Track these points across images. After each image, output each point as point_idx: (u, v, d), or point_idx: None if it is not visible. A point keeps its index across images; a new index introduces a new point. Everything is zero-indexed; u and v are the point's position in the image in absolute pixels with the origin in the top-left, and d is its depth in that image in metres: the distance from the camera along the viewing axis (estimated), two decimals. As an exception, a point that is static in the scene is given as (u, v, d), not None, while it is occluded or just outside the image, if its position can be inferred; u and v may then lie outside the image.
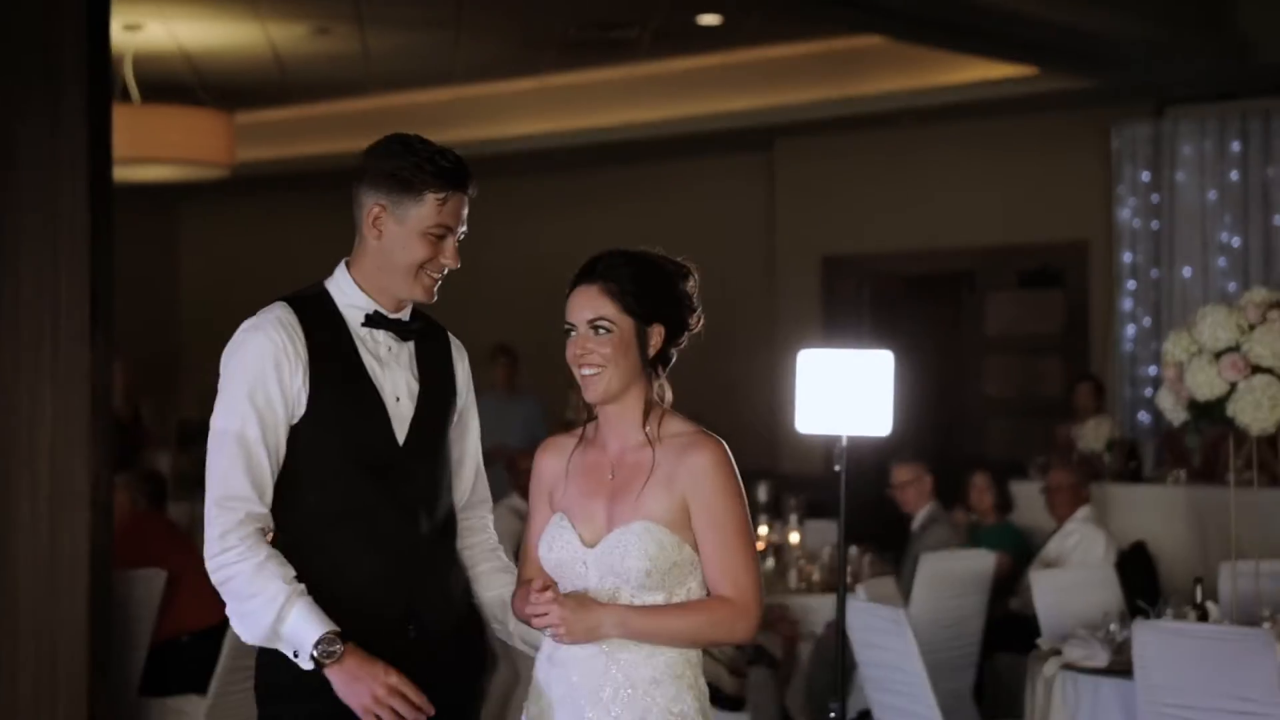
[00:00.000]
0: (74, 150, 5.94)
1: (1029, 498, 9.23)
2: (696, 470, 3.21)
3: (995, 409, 12.33)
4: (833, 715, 4.92)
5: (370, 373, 3.34)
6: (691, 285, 3.35)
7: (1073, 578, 6.93)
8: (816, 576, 7.86)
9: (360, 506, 3.30)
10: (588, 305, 3.27)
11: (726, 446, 3.26)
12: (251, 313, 3.37)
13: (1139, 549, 8.53)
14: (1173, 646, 5.11)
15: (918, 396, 12.70)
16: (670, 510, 3.22)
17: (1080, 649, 5.74)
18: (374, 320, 3.36)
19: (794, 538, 8.13)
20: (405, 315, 3.41)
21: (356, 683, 3.17)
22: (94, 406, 5.93)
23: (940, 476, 9.21)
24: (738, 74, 11.91)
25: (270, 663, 3.29)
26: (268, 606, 3.18)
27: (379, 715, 3.16)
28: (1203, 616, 5.83)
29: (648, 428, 3.28)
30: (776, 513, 8.67)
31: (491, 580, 3.53)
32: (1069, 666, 5.70)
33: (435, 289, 3.38)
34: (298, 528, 3.30)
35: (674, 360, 3.35)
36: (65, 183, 5.92)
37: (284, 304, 3.36)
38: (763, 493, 8.43)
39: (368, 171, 3.34)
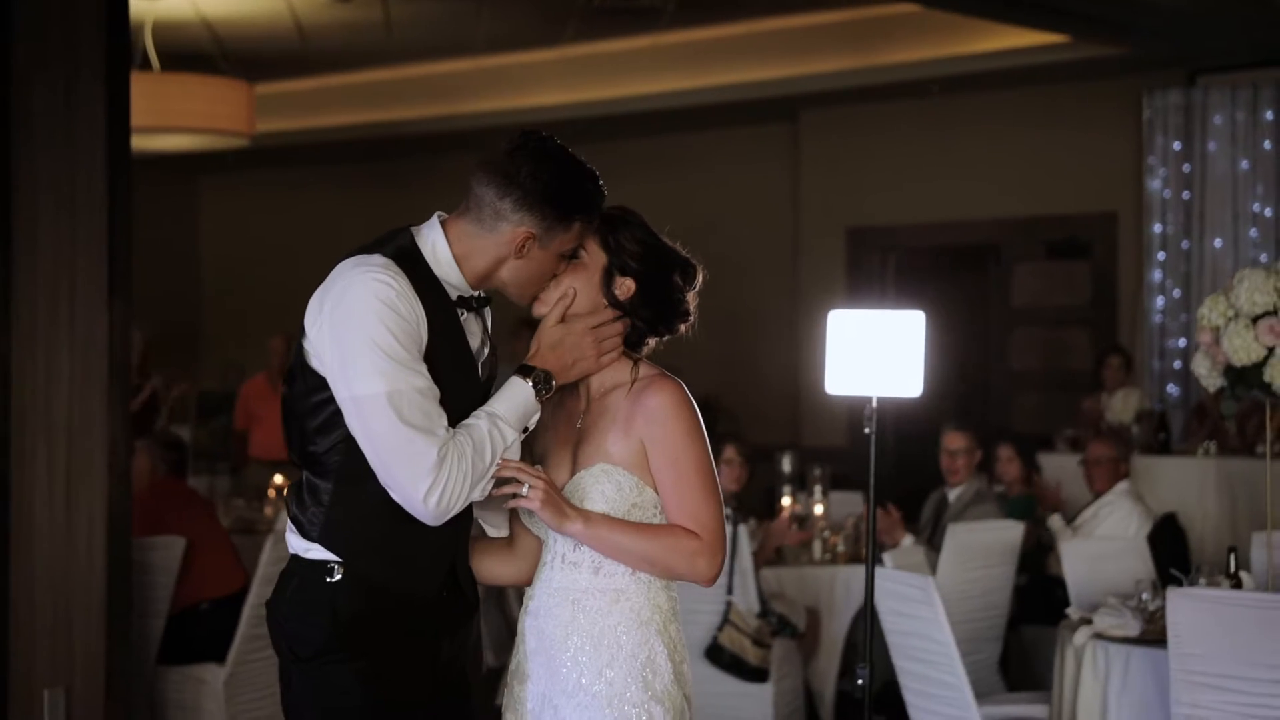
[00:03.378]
0: (92, 118, 5.86)
1: (1061, 470, 9.15)
2: (652, 410, 3.24)
3: (1022, 382, 12.22)
4: (860, 681, 4.84)
5: (471, 347, 3.29)
6: (689, 285, 3.38)
7: (1103, 548, 6.83)
8: (842, 548, 7.78)
9: None
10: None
11: (684, 387, 3.29)
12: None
13: (1169, 520, 8.40)
14: (1208, 614, 5.01)
15: (944, 369, 12.67)
16: (629, 453, 3.25)
17: (1111, 618, 5.65)
18: (462, 301, 3.28)
19: (818, 509, 8.03)
20: (479, 291, 3.35)
21: (571, 359, 3.25)
22: (111, 374, 5.86)
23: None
24: (762, 43, 11.79)
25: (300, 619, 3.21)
26: (502, 431, 3.15)
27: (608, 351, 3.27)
28: (1237, 585, 5.73)
29: (614, 371, 3.32)
30: (801, 484, 8.57)
31: None
32: (1100, 636, 5.61)
33: None
34: (365, 491, 3.16)
35: (648, 346, 3.38)
36: (83, 151, 5.84)
37: (385, 257, 3.17)
38: (787, 464, 8.32)
39: (520, 189, 3.18)
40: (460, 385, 3.22)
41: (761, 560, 7.56)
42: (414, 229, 3.29)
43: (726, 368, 12.23)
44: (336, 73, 12.82)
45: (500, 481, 3.20)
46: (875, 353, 4.63)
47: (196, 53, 11.29)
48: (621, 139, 13.40)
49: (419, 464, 3.06)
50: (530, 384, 3.22)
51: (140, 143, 10.91)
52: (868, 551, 4.83)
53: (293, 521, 3.25)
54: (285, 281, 8.76)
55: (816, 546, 7.82)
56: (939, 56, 11.37)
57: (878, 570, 5.56)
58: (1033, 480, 8.83)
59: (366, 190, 14.27)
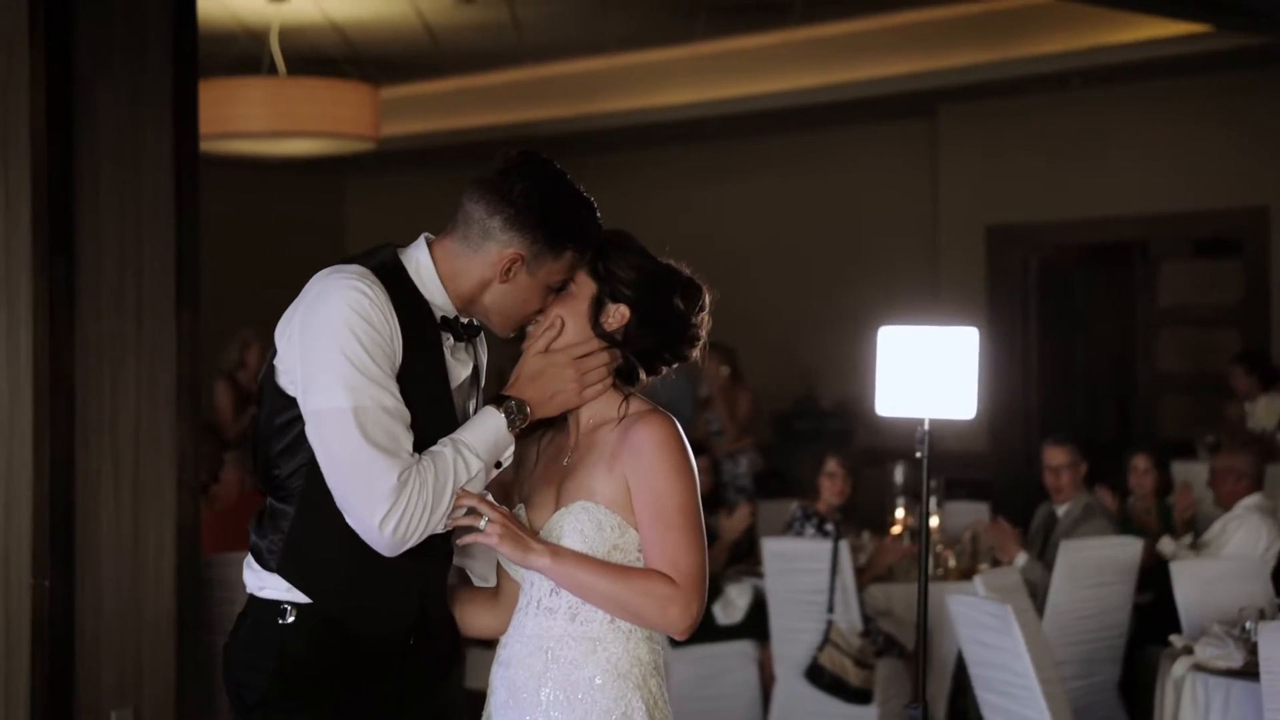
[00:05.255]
0: (158, 124, 5.78)
1: (1196, 478, 8.73)
2: (637, 446, 3.02)
3: (1168, 384, 11.75)
4: (913, 716, 4.57)
5: (449, 370, 3.09)
6: (693, 308, 3.15)
7: (1219, 568, 6.44)
8: (952, 563, 7.47)
9: None
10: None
11: (676, 424, 3.06)
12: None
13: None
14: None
15: (1086, 371, 12.28)
16: (613, 490, 3.03)
17: (1213, 648, 5.31)
18: (446, 324, 3.09)
19: (934, 521, 7.71)
20: (468, 319, 3.15)
21: (552, 391, 3.05)
22: (179, 385, 5.77)
23: (1106, 454, 8.77)
24: (897, 37, 11.48)
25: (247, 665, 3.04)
26: (467, 461, 2.95)
27: (593, 384, 3.07)
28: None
29: (603, 407, 3.11)
30: (916, 495, 8.27)
31: None
32: (1200, 667, 5.27)
33: None
34: (330, 517, 2.96)
35: (642, 379, 3.15)
36: (149, 158, 5.75)
37: (365, 269, 2.99)
38: (899, 474, 8.02)
39: (512, 206, 3.00)
40: (431, 413, 3.00)
41: (870, 576, 7.30)
42: (399, 247, 3.10)
43: (859, 371, 11.94)
44: (467, 74, 12.74)
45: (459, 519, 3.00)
46: (927, 372, 4.36)
47: (327, 57, 11.28)
48: (754, 137, 13.19)
49: (378, 487, 2.86)
50: (503, 414, 3.01)
51: (263, 147, 10.96)
52: (920, 577, 4.56)
53: (252, 551, 3.07)
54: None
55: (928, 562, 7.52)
56: (1080, 48, 10.98)
57: (955, 597, 5.30)
58: (1173, 491, 8.43)
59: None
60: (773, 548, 7.08)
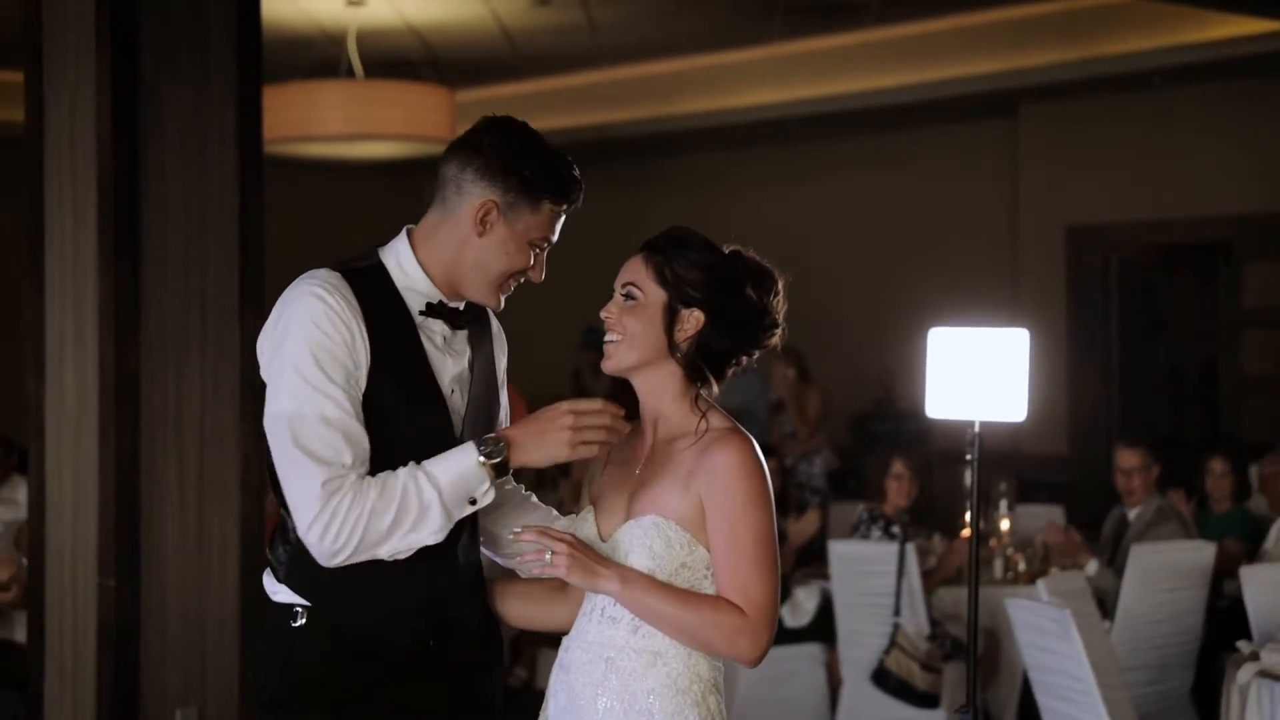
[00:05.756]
0: (223, 128, 5.83)
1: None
2: (716, 469, 2.94)
3: (1253, 387, 11.55)
4: (964, 722, 4.52)
5: (431, 362, 3.04)
6: (767, 296, 3.07)
7: (1288, 573, 6.34)
8: (1023, 566, 7.40)
9: None
10: (629, 270, 3.06)
11: (755, 446, 2.97)
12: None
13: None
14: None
15: (1168, 373, 12.11)
16: (686, 508, 2.96)
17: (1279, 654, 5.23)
18: (433, 309, 3.06)
19: (1004, 525, 7.64)
20: (461, 304, 3.12)
21: (542, 435, 2.93)
22: (243, 386, 5.81)
23: (1188, 458, 8.65)
24: (975, 36, 11.38)
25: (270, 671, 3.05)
26: (421, 492, 2.87)
27: (589, 443, 2.92)
28: None
29: (680, 419, 3.04)
30: (986, 498, 8.20)
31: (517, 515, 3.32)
32: (1265, 674, 5.19)
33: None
34: None
35: (728, 374, 3.08)
36: (213, 161, 5.80)
37: (338, 274, 2.98)
38: (968, 477, 7.91)
39: (483, 156, 2.99)
40: (416, 412, 2.99)
41: (939, 579, 7.24)
42: (382, 246, 3.11)
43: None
44: (543, 76, 12.77)
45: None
46: (978, 373, 4.31)
47: (403, 60, 11.34)
48: (831, 138, 13.13)
49: (305, 491, 2.85)
50: (476, 448, 2.93)
51: (340, 150, 11.04)
52: (970, 580, 4.51)
53: (269, 564, 3.09)
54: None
55: (997, 565, 7.46)
56: (1162, 46, 10.83)
57: (1014, 601, 5.24)
58: (1251, 495, 8.31)
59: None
60: (839, 550, 7.04)
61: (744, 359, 3.10)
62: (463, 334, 3.12)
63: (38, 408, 5.75)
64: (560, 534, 2.95)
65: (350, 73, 10.43)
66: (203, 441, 5.77)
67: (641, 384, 3.07)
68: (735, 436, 2.98)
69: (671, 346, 3.02)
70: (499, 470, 2.93)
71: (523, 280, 3.10)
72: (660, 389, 3.06)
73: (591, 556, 2.94)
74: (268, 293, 5.80)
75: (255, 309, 5.83)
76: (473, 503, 2.94)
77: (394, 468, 2.93)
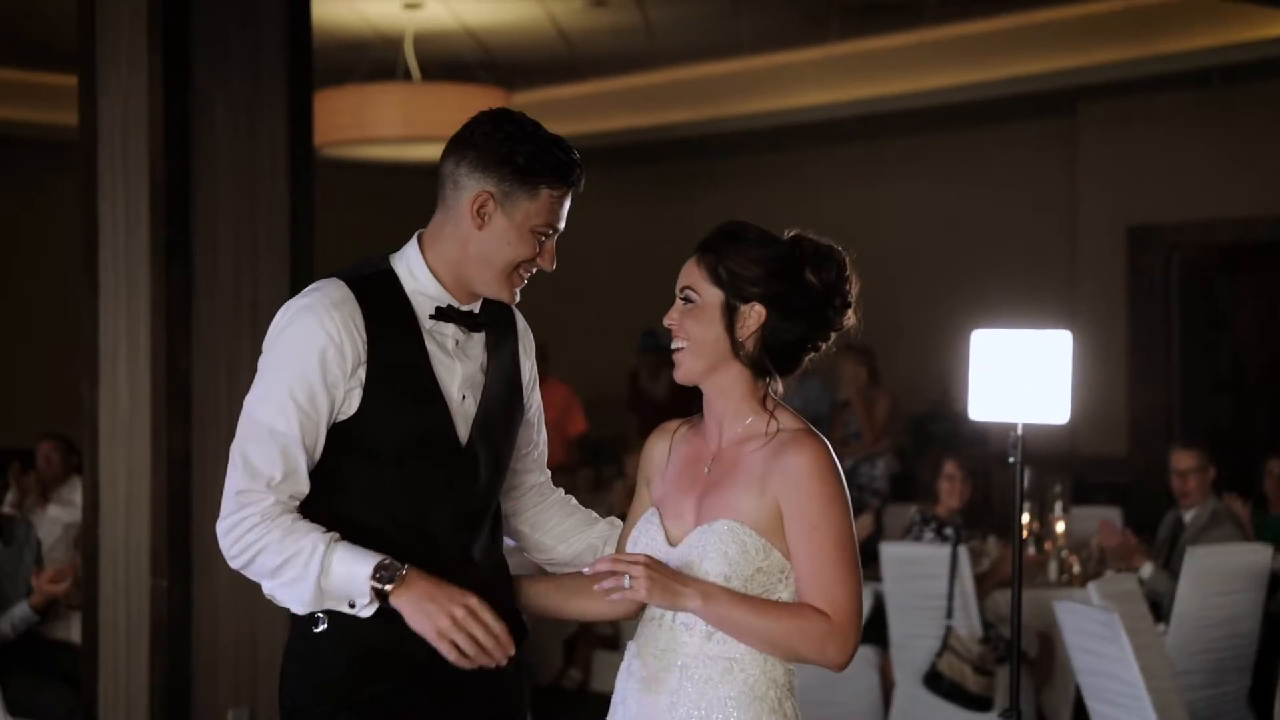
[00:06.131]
0: (274, 129, 5.87)
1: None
2: (792, 471, 2.89)
3: (1316, 388, 11.46)
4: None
5: (435, 369, 3.03)
6: (830, 276, 2.98)
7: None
8: (1077, 569, 7.35)
9: (411, 513, 3.01)
10: (686, 273, 3.02)
11: (829, 447, 2.93)
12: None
13: None
14: None
15: (1230, 374, 11.99)
16: (762, 513, 2.91)
17: (1333, 659, 5.17)
18: (444, 313, 3.05)
19: (1059, 527, 7.59)
20: (476, 306, 3.10)
21: (430, 602, 2.85)
22: (295, 387, 5.84)
23: (1251, 458, 8.58)
24: (1034, 35, 11.31)
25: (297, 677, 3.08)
26: (309, 561, 2.87)
27: (456, 643, 2.83)
28: None
29: (749, 420, 2.99)
30: (1040, 501, 8.15)
31: (574, 535, 3.33)
32: (1318, 678, 5.14)
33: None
34: (339, 531, 2.96)
35: (803, 364, 3.02)
36: (264, 163, 5.85)
37: (342, 283, 3.00)
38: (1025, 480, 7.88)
39: (475, 148, 2.99)
40: (418, 415, 3.00)
41: (994, 582, 7.20)
42: (394, 252, 3.13)
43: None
44: (601, 78, 12.78)
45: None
46: (1021, 375, 4.29)
47: (460, 62, 11.38)
48: (890, 138, 13.08)
49: (229, 488, 2.97)
50: (374, 565, 2.88)
51: (397, 153, 11.07)
52: (1014, 582, 4.48)
53: None
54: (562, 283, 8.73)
55: (1052, 567, 7.41)
56: (1223, 43, 10.74)
57: (1062, 604, 5.20)
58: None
59: (636, 195, 14.22)
60: (891, 552, 7.02)
61: (820, 345, 3.03)
62: (479, 337, 3.11)
63: (91, 410, 5.80)
64: (635, 556, 2.89)
65: (407, 75, 10.47)
66: (254, 443, 5.79)
67: (709, 386, 3.03)
68: (809, 438, 2.94)
69: (735, 345, 2.96)
70: (379, 597, 2.88)
71: (534, 270, 3.08)
72: (728, 389, 3.00)
73: (670, 575, 2.88)
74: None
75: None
76: (351, 605, 2.91)
77: (396, 471, 2.97)
